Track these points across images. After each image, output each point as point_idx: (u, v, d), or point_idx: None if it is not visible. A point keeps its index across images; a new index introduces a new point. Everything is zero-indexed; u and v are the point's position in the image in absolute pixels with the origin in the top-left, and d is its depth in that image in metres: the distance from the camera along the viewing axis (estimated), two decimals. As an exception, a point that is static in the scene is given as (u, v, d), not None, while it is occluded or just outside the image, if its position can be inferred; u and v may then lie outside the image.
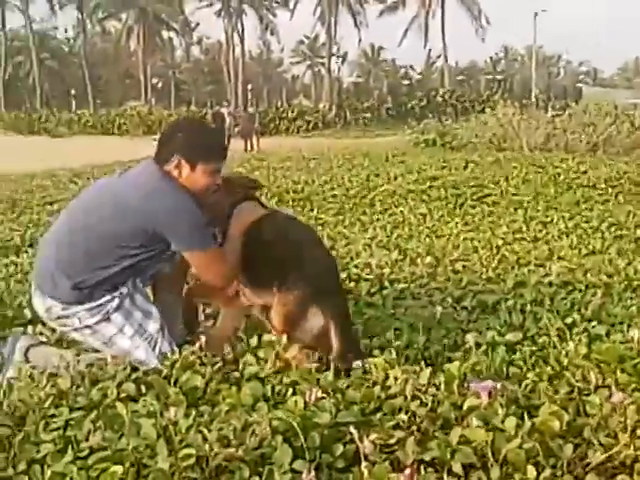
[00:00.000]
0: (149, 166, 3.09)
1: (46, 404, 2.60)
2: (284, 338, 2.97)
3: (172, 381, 2.75)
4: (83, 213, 3.09)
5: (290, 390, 2.66)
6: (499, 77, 61.24)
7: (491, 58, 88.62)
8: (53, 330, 3.56)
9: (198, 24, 78.42)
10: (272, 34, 68.84)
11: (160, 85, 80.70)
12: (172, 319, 3.24)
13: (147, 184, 3.00)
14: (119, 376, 2.84)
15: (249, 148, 23.97)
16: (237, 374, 2.90)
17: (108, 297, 3.04)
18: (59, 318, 3.09)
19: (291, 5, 60.69)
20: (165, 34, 71.29)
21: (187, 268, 3.32)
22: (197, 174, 3.05)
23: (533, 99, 39.36)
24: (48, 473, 2.11)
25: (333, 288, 3.23)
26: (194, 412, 2.38)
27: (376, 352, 3.04)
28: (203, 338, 3.04)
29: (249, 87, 49.45)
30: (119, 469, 2.05)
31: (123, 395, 2.68)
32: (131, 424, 2.32)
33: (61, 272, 3.00)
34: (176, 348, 3.07)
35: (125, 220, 2.94)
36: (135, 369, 2.95)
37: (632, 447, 2.20)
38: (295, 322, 3.07)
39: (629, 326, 3.42)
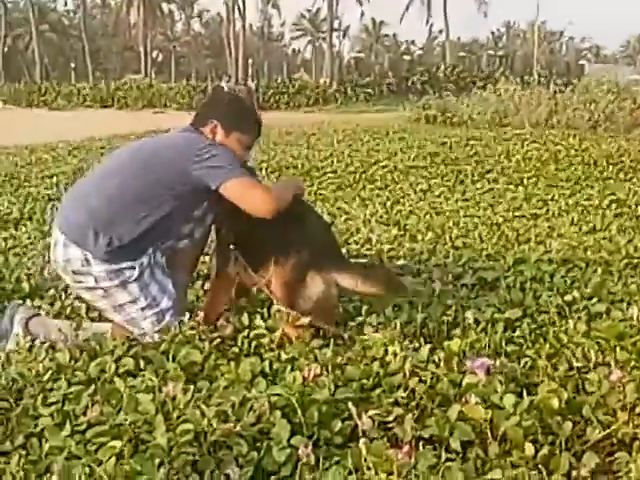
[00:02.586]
0: (184, 126, 3.27)
1: (44, 378, 2.60)
2: (288, 309, 2.99)
3: (170, 356, 2.75)
4: (130, 165, 3.13)
5: (289, 366, 2.66)
6: (501, 53, 60.92)
7: (493, 34, 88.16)
8: (51, 304, 3.56)
9: (199, -3, 78.22)
10: (273, 7, 68.55)
11: (160, 58, 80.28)
12: (179, 296, 3.23)
13: (183, 137, 3.19)
14: (117, 351, 2.84)
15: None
16: (236, 349, 2.91)
17: (129, 263, 3.03)
18: (75, 273, 3.06)
19: (292, -22, 60.29)
20: (165, 7, 71.03)
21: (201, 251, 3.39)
22: (231, 141, 3.17)
23: (535, 75, 39.06)
24: (46, 447, 2.12)
25: (331, 249, 3.25)
26: (192, 387, 2.38)
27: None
28: (201, 313, 3.04)
29: (250, 61, 49.10)
30: (117, 444, 2.05)
31: (121, 370, 2.68)
32: (129, 399, 2.32)
33: (99, 225, 2.98)
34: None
35: (165, 168, 3.03)
36: (133, 343, 2.96)
37: (631, 425, 2.21)
38: (294, 289, 3.06)
39: (629, 304, 3.41)
